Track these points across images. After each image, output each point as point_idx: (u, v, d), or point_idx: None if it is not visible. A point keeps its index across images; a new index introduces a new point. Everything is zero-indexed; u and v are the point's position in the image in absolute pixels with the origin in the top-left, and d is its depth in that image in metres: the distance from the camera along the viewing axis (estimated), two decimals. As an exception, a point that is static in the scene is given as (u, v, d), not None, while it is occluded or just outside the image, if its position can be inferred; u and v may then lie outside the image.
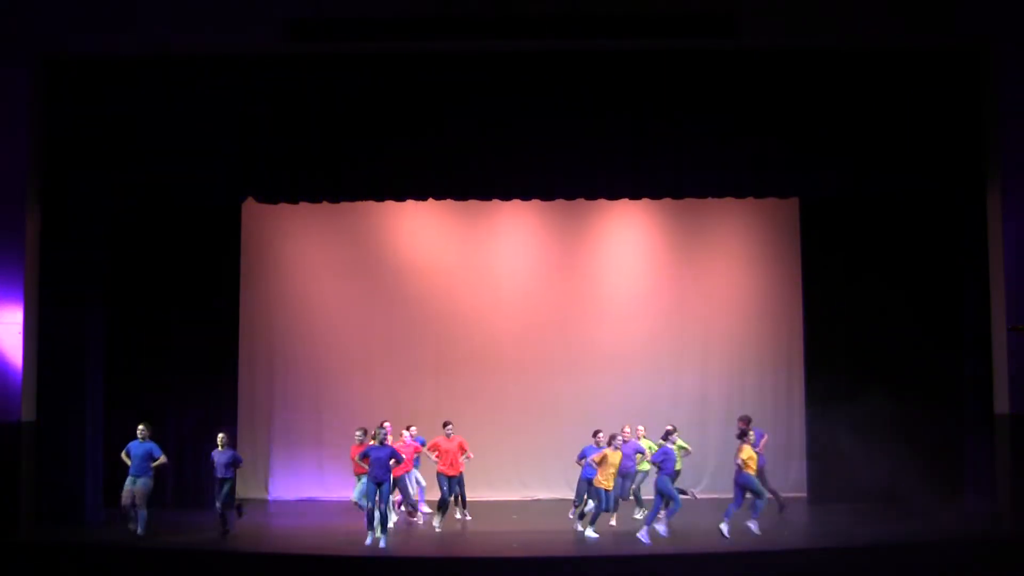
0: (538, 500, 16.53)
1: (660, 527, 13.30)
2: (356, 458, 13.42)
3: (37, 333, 14.31)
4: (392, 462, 13.09)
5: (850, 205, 15.47)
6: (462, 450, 14.45)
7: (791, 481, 16.71)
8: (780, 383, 17.10)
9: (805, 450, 16.26)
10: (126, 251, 15.63)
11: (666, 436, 13.62)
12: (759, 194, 14.58)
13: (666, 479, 13.25)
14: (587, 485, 13.69)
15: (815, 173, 14.39)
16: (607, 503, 13.48)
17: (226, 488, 13.48)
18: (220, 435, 13.68)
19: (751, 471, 13.30)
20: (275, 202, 14.99)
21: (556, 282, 17.29)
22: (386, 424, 13.72)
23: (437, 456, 14.41)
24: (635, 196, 14.69)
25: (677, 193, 14.66)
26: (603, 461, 13.37)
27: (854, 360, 15.94)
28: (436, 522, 14.10)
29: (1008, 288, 14.10)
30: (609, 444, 13.54)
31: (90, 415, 14.49)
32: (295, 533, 13.97)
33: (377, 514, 12.86)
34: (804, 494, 16.37)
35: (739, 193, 14.55)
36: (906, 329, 15.81)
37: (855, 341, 16.09)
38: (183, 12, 14.16)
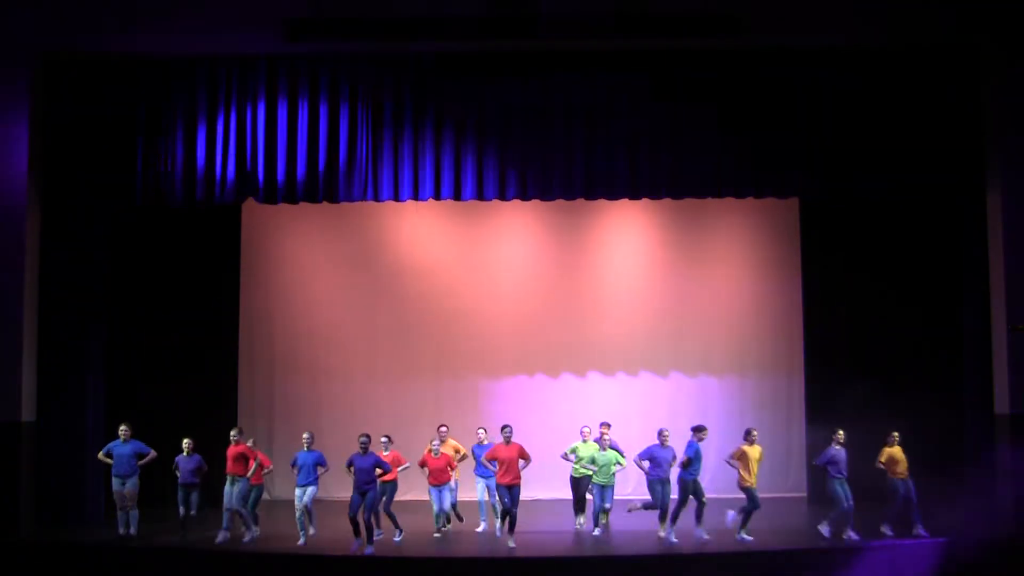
0: (538, 500, 16.52)
1: (825, 529, 13.13)
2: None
3: (37, 333, 14.31)
4: (378, 472, 12.79)
5: (850, 205, 15.47)
6: (522, 457, 13.22)
7: (791, 481, 16.76)
8: (780, 383, 17.09)
9: (805, 450, 16.26)
10: (126, 251, 15.64)
11: (831, 439, 13.34)
12: (759, 194, 14.58)
13: (841, 482, 13.09)
14: (659, 486, 13.15)
15: (815, 173, 14.37)
16: (756, 501, 13.04)
17: (193, 495, 13.43)
18: (186, 441, 13.57)
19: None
20: (275, 202, 14.99)
21: (556, 282, 17.28)
22: (304, 435, 13.48)
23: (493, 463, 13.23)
24: (635, 196, 14.66)
25: (676, 193, 14.66)
26: (742, 458, 13.05)
27: (854, 360, 15.97)
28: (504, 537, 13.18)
29: (1008, 288, 14.10)
30: (746, 439, 13.17)
31: (90, 415, 14.51)
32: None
33: (362, 523, 12.72)
34: (804, 494, 16.41)
35: (739, 193, 14.54)
36: (906, 329, 15.86)
37: (855, 341, 16.11)
38: (183, 12, 14.18)
